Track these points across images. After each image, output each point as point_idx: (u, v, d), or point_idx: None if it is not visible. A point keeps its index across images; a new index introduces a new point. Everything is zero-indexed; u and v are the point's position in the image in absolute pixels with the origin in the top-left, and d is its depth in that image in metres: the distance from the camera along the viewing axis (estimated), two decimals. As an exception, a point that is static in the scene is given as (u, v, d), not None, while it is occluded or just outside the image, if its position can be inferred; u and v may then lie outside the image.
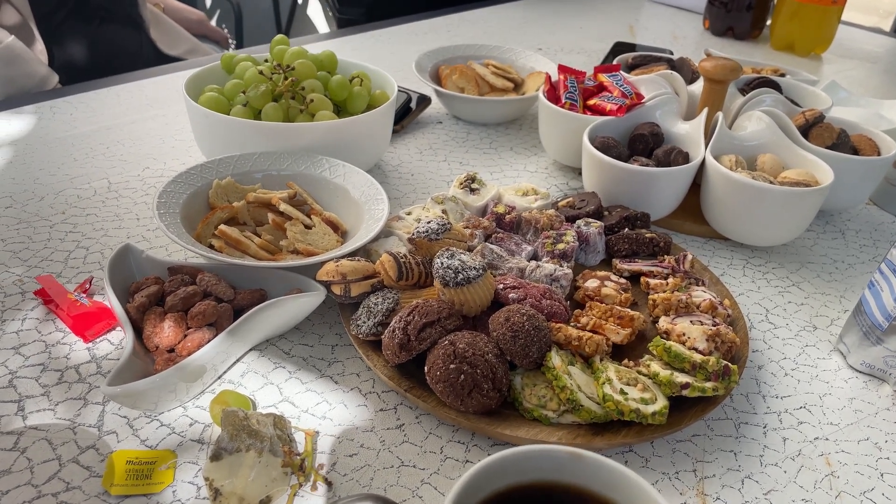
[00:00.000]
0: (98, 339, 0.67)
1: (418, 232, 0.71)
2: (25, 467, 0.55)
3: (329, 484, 0.55)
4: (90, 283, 0.73)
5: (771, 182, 0.84)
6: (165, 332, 0.62)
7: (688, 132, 0.95)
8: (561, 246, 0.76)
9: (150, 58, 1.58)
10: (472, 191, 0.87)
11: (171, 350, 0.62)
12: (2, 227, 0.82)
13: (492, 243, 0.77)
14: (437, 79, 1.21)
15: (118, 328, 0.68)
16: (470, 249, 0.75)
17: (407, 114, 1.15)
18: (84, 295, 0.71)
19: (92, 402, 0.61)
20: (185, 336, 0.62)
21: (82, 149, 1.00)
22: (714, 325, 0.68)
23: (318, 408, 0.62)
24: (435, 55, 1.23)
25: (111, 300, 0.63)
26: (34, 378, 0.63)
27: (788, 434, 0.64)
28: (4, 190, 0.89)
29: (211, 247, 0.73)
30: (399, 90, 1.12)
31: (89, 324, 0.67)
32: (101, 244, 0.81)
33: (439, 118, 1.19)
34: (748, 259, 0.88)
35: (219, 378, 0.64)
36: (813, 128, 0.94)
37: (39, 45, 1.32)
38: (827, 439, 0.63)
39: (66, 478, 0.54)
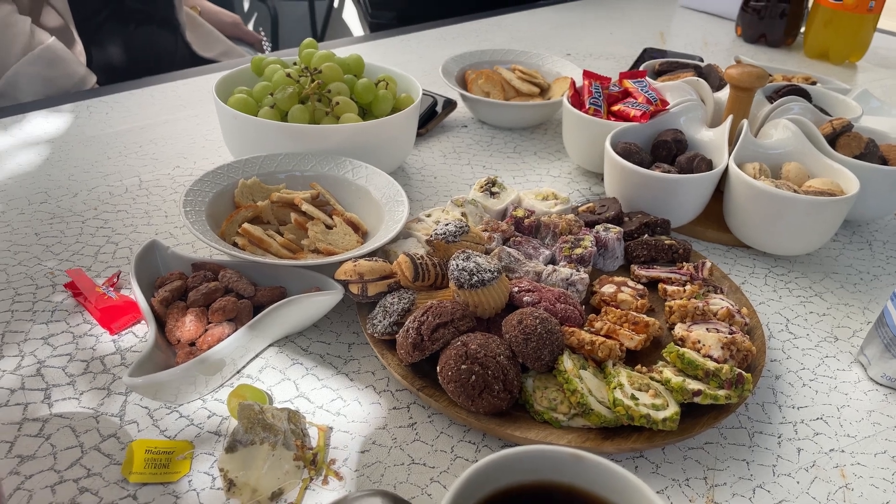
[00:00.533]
0: (123, 332, 0.69)
1: (436, 234, 0.72)
2: (49, 453, 0.57)
3: (340, 478, 0.56)
4: (118, 277, 0.75)
5: (795, 191, 0.83)
6: (187, 326, 0.64)
7: (712, 139, 0.94)
8: (578, 251, 0.77)
9: (185, 59, 1.62)
10: (493, 194, 0.88)
11: (192, 344, 0.64)
12: (36, 222, 0.85)
13: (509, 247, 0.78)
14: (463, 83, 1.22)
15: (143, 321, 0.71)
16: (487, 252, 0.76)
17: (432, 117, 1.16)
18: (112, 289, 0.73)
19: (115, 393, 0.63)
20: (206, 330, 0.64)
21: (116, 147, 1.03)
22: (730, 334, 0.67)
23: (333, 404, 0.63)
24: (462, 60, 1.24)
25: (136, 294, 0.65)
26: (61, 368, 0.65)
27: (803, 445, 0.63)
28: (40, 185, 0.92)
29: (235, 244, 0.74)
30: (424, 94, 1.13)
31: (116, 317, 0.70)
32: (131, 240, 0.83)
33: (464, 122, 1.20)
34: (770, 268, 0.87)
35: (237, 372, 0.66)
36: (840, 137, 0.92)
37: (79, 47, 1.36)
38: (843, 451, 0.63)
39: (88, 464, 0.56)
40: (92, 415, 0.60)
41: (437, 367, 0.61)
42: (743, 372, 0.62)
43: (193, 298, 0.66)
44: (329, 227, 0.77)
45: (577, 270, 0.74)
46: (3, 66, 1.23)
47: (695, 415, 0.61)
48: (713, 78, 1.12)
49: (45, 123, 1.09)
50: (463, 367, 0.59)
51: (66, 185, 0.93)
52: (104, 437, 0.58)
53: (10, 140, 1.03)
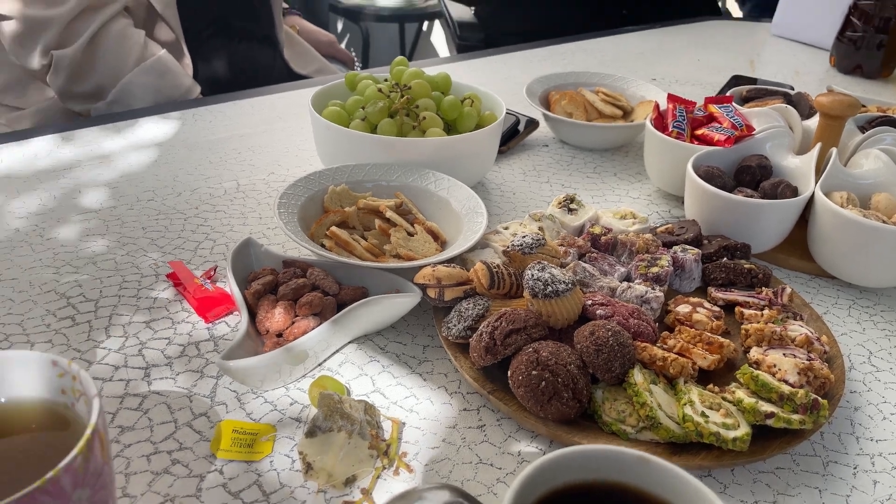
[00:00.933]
0: (217, 321, 0.74)
1: (513, 245, 0.74)
2: (147, 426, 0.62)
3: (411, 471, 0.59)
4: (215, 270, 0.81)
5: (884, 222, 0.81)
6: (276, 317, 0.68)
7: (798, 167, 0.93)
8: (655, 269, 0.77)
9: (282, 75, 1.71)
10: (570, 211, 0.89)
11: (280, 334, 0.68)
12: (144, 218, 0.92)
13: (585, 262, 0.79)
14: (546, 104, 1.24)
15: (235, 312, 0.75)
16: (562, 266, 0.77)
17: (514, 135, 1.19)
18: (209, 281, 0.79)
19: (207, 376, 0.67)
20: (293, 322, 0.68)
21: (217, 152, 1.11)
22: (808, 360, 0.66)
23: (406, 401, 0.66)
24: (546, 81, 1.27)
25: (231, 286, 0.70)
26: (160, 350, 0.70)
27: (880, 478, 0.61)
28: (148, 185, 1.00)
29: (322, 246, 0.79)
30: (508, 113, 1.16)
31: (211, 306, 0.75)
32: (227, 237, 0.89)
33: (546, 141, 1.22)
34: (855, 300, 0.85)
35: (319, 365, 0.69)
36: (936, 169, 0.90)
37: (187, 60, 1.46)
38: (923, 488, 0.61)
39: (180, 439, 0.61)
40: (186, 394, 0.65)
41: (508, 372, 0.63)
42: (819, 398, 0.61)
43: (283, 293, 0.70)
44: (410, 235, 0.81)
45: (653, 289, 0.75)
46: (119, 74, 1.33)
47: (766, 438, 0.61)
48: (803, 106, 1.10)
49: (154, 129, 1.17)
50: (533, 372, 0.60)
51: (171, 185, 1.00)
52: (196, 416, 0.63)
53: (123, 143, 1.12)
